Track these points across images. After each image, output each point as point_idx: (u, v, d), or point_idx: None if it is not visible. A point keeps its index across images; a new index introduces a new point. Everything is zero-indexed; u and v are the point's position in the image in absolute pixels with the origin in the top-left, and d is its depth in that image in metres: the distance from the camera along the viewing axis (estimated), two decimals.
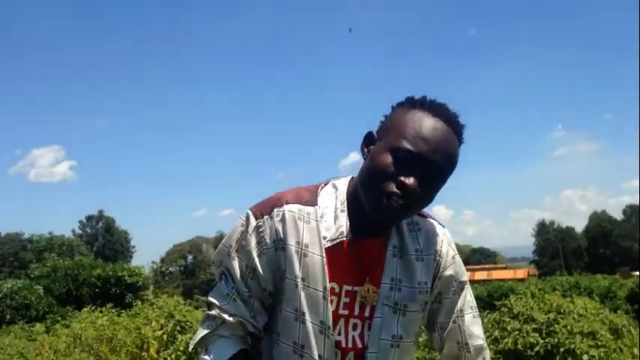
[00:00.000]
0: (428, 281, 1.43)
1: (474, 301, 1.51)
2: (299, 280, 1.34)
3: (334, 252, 1.36)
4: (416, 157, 1.28)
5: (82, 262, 27.32)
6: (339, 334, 1.38)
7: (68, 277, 24.09)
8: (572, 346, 11.30)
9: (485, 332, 10.74)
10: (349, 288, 1.38)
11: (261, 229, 1.37)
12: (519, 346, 11.84)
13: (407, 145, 1.28)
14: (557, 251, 60.35)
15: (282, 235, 1.35)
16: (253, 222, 1.38)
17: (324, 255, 1.34)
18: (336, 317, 1.37)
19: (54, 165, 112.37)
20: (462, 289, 1.49)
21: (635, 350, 12.45)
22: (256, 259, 1.37)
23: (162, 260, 63.68)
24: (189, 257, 69.63)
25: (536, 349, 11.69)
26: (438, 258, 1.44)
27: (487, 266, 52.51)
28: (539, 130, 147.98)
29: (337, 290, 1.37)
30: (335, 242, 1.36)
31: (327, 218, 1.38)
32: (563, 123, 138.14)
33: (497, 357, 11.80)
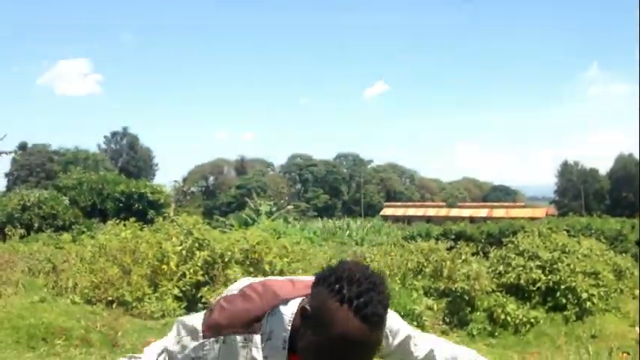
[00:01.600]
0: None
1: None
2: None
3: None
4: None
5: (107, 177, 28.06)
6: None
7: (93, 190, 24.90)
8: (573, 284, 11.69)
9: (490, 267, 11.11)
10: None
11: (205, 348, 1.58)
12: (522, 282, 12.26)
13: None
14: (578, 192, 60.15)
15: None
16: (201, 340, 1.58)
17: None
18: None
19: (81, 78, 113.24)
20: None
21: (637, 292, 12.83)
22: None
23: (184, 180, 64.81)
24: (211, 178, 70.75)
25: (538, 284, 12.10)
26: None
27: (506, 204, 52.64)
28: (573, 68, 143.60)
29: None
30: None
31: (273, 344, 1.57)
32: (599, 61, 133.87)
33: (500, 290, 12.26)
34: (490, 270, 12.68)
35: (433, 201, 64.82)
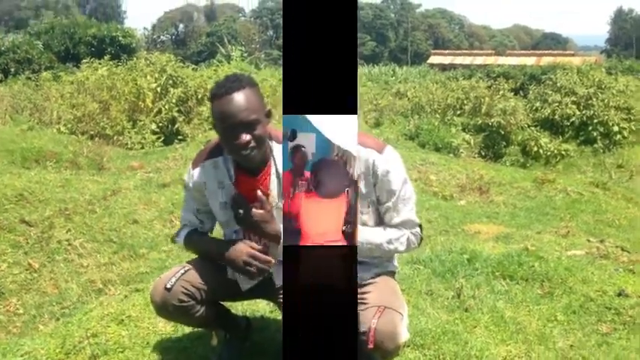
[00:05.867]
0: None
1: None
2: (222, 202, 2.18)
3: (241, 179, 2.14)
4: (231, 127, 1.98)
5: (78, 20, 28.24)
6: None
7: (65, 34, 25.18)
8: (606, 118, 12.13)
9: (527, 103, 11.63)
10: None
11: (191, 176, 2.21)
12: (557, 117, 12.77)
13: (222, 127, 2.01)
14: (631, 41, 57.61)
15: (204, 180, 2.19)
16: (191, 172, 2.22)
17: (233, 182, 2.13)
18: None
19: None
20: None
21: None
22: (197, 193, 2.24)
23: (154, 27, 62.37)
24: (180, 26, 66.95)
25: (572, 119, 12.61)
26: None
27: (554, 52, 51.03)
28: None
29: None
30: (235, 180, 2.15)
31: (229, 158, 2.13)
32: None
33: (535, 125, 12.77)
34: (527, 106, 13.12)
35: (482, 49, 63.03)
